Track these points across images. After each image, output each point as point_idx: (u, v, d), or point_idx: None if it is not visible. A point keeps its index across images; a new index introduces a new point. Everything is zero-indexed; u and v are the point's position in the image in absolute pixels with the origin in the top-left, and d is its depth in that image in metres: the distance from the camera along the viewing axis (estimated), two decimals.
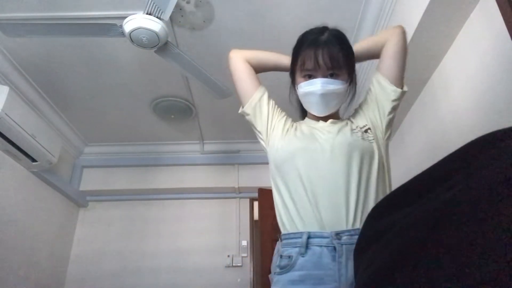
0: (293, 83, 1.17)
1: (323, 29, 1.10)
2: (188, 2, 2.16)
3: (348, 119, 1.18)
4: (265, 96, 1.21)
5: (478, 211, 0.37)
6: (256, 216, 3.85)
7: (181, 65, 2.23)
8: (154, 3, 1.86)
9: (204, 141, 3.80)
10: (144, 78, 2.86)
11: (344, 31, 1.14)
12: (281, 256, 0.98)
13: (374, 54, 1.18)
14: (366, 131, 1.10)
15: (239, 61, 1.23)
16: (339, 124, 1.12)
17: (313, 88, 1.07)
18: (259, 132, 1.19)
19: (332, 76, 1.07)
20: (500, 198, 0.37)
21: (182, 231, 3.70)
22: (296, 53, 1.12)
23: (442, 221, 0.41)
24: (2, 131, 2.48)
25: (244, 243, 3.67)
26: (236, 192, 3.85)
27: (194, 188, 3.78)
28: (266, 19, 2.30)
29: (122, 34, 1.98)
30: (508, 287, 0.33)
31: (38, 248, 3.11)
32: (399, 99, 1.13)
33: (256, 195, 3.65)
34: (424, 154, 2.14)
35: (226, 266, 3.56)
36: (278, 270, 0.98)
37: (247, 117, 1.21)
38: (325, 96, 1.07)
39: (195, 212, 3.81)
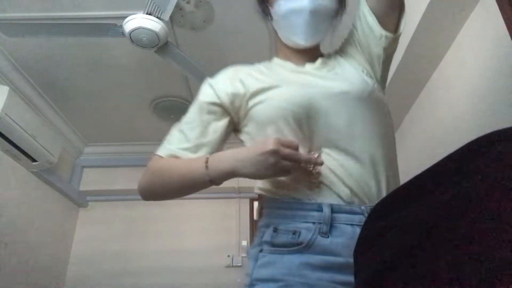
0: (265, 3, 0.90)
1: None
2: (188, 2, 2.16)
3: (339, 55, 0.91)
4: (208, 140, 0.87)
5: (478, 211, 0.38)
6: (256, 216, 3.85)
7: (181, 65, 2.23)
8: (154, 3, 1.86)
9: None
10: (144, 78, 2.86)
11: (343, 31, 0.95)
12: (275, 230, 0.74)
13: None
14: (370, 76, 0.85)
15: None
16: (335, 64, 0.87)
17: (299, 4, 0.80)
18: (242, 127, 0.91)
19: None
20: (500, 198, 0.37)
21: (182, 231, 3.70)
22: None
23: (442, 221, 0.41)
24: (2, 131, 2.48)
25: (244, 243, 3.66)
26: (236, 192, 3.85)
27: None
28: None
29: (122, 34, 1.98)
30: (508, 286, 0.33)
31: (38, 248, 3.11)
32: (394, 45, 0.86)
33: (256, 195, 3.65)
34: (424, 154, 2.14)
35: (226, 266, 3.56)
36: (268, 247, 0.74)
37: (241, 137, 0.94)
38: (315, 15, 0.80)
39: (195, 212, 3.80)
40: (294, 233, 0.71)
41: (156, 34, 1.96)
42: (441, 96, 1.99)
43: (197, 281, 3.48)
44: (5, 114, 2.41)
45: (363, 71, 0.84)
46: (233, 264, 3.56)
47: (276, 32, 0.91)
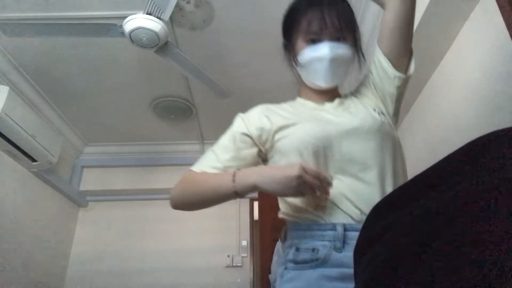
0: (291, 53, 1.01)
1: None
2: (188, 2, 2.16)
3: (354, 96, 1.04)
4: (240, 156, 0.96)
5: (479, 211, 0.37)
6: (256, 216, 3.85)
7: (181, 65, 2.23)
8: (154, 3, 1.86)
9: (204, 141, 3.80)
10: (144, 78, 2.86)
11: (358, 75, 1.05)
12: (297, 249, 0.86)
13: None
14: (382, 113, 0.96)
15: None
16: (350, 103, 0.99)
17: (320, 53, 0.92)
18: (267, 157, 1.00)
19: (339, 40, 0.93)
20: (500, 197, 0.37)
21: (182, 231, 3.70)
22: (293, 17, 0.98)
23: (442, 221, 0.41)
24: (2, 131, 2.48)
25: (244, 243, 3.66)
26: None
27: None
28: (266, 19, 2.29)
29: (122, 34, 1.98)
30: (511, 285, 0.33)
31: (38, 248, 3.11)
32: (406, 84, 0.98)
33: (256, 195, 3.65)
34: (424, 154, 2.14)
35: (226, 266, 3.56)
36: (292, 265, 0.85)
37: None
38: (334, 62, 0.92)
39: (195, 212, 3.79)
40: (313, 250, 0.82)
41: (156, 34, 1.96)
42: (441, 96, 1.98)
43: (197, 281, 3.48)
44: (5, 114, 2.41)
45: (374, 110, 0.96)
46: (233, 264, 3.56)
47: (300, 76, 1.03)
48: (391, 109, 1.00)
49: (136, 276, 3.50)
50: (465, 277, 0.36)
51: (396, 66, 0.95)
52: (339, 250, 0.81)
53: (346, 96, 1.05)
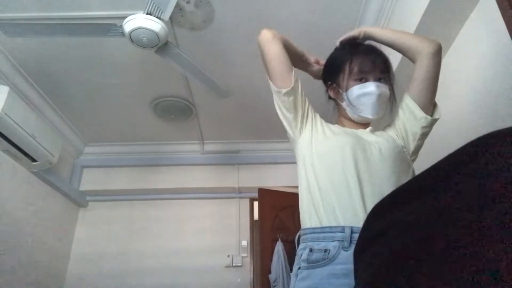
0: (337, 89, 1.18)
1: (357, 41, 1.18)
2: (188, 2, 2.16)
3: (382, 130, 1.21)
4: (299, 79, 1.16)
5: (478, 211, 0.37)
6: (256, 216, 3.85)
7: (181, 65, 2.23)
8: (154, 3, 1.86)
9: (204, 141, 3.80)
10: (144, 78, 2.86)
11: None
12: (310, 250, 0.96)
13: (399, 50, 1.17)
14: (403, 146, 1.14)
15: (278, 43, 1.16)
16: (380, 132, 1.16)
17: (369, 89, 1.09)
18: (293, 117, 1.14)
19: (380, 80, 1.11)
20: (500, 198, 0.37)
21: (182, 231, 3.70)
22: (340, 61, 1.15)
23: (442, 221, 0.41)
24: (2, 131, 2.48)
25: (244, 243, 3.67)
26: (236, 192, 3.85)
27: (194, 188, 3.78)
28: (266, 19, 2.29)
29: (122, 34, 1.98)
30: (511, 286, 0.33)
31: (38, 248, 3.11)
32: (430, 126, 1.13)
33: (256, 195, 3.66)
34: (424, 154, 2.14)
35: (226, 266, 3.56)
36: (305, 264, 0.96)
37: (288, 99, 1.13)
38: (380, 98, 1.09)
39: (195, 212, 3.81)
40: (325, 251, 0.94)
41: (156, 34, 1.96)
42: (441, 96, 1.98)
43: (197, 281, 3.48)
44: (5, 114, 2.41)
45: (398, 140, 1.14)
46: (233, 264, 3.56)
47: (339, 109, 1.21)
48: (412, 146, 1.14)
49: (136, 276, 3.50)
50: (466, 277, 0.36)
51: (423, 110, 1.12)
52: (346, 249, 0.92)
53: (377, 130, 1.22)
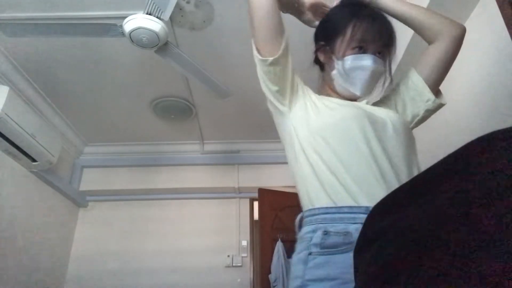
0: (329, 54, 1.02)
1: (364, 3, 1.01)
2: (188, 2, 2.16)
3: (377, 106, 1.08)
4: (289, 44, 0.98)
5: (478, 212, 0.37)
6: (256, 216, 3.85)
7: (181, 65, 2.23)
8: (154, 3, 1.86)
9: (204, 141, 3.80)
10: (144, 78, 2.86)
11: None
12: (325, 233, 0.81)
13: (414, 27, 1.03)
14: None
15: None
16: (379, 106, 1.04)
17: (365, 63, 0.95)
18: (280, 91, 0.98)
19: (379, 54, 0.98)
20: (500, 198, 0.37)
21: (182, 231, 3.70)
22: (340, 21, 0.99)
23: (442, 222, 0.41)
24: (2, 131, 2.48)
25: (244, 243, 3.67)
26: (236, 192, 3.85)
27: (194, 188, 3.78)
28: None
29: (122, 34, 1.98)
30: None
31: (38, 248, 3.11)
32: (434, 111, 1.03)
33: (256, 195, 3.65)
34: (424, 154, 2.14)
35: (226, 266, 3.56)
36: (318, 249, 0.80)
37: (274, 69, 0.96)
38: (373, 75, 0.96)
39: (195, 212, 3.81)
40: (345, 234, 0.79)
41: (156, 34, 1.96)
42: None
43: (197, 281, 3.48)
44: (5, 114, 2.41)
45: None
46: (233, 264, 3.56)
47: (326, 78, 1.06)
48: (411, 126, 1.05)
49: (136, 276, 3.50)
50: (464, 276, 0.36)
51: (432, 91, 1.02)
52: None
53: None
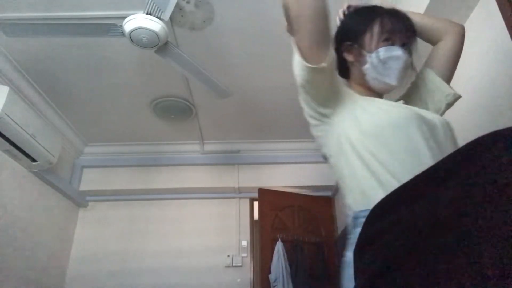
0: (359, 50, 1.02)
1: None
2: (188, 2, 2.16)
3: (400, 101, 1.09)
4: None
5: (477, 212, 0.37)
6: (256, 216, 3.85)
7: (181, 65, 2.23)
8: (154, 3, 1.86)
9: (204, 141, 3.80)
10: (144, 78, 2.86)
11: None
12: None
13: (420, 31, 1.07)
14: None
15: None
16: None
17: (397, 53, 0.97)
18: (326, 98, 0.93)
19: (404, 46, 1.00)
20: (499, 198, 0.37)
21: (182, 231, 3.70)
22: (371, 16, 1.01)
23: (441, 223, 0.41)
24: (2, 131, 2.48)
25: (244, 243, 3.66)
26: (236, 192, 3.85)
27: (194, 188, 3.78)
28: (266, 19, 2.29)
29: (122, 34, 1.98)
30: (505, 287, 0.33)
31: (38, 248, 3.11)
32: (452, 105, 1.07)
33: (256, 195, 3.66)
34: None
35: (226, 266, 3.56)
36: None
37: (321, 76, 0.89)
38: (406, 64, 0.99)
39: (195, 212, 3.81)
40: None
41: (156, 34, 1.96)
42: None
43: (197, 281, 3.48)
44: (5, 114, 2.41)
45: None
46: (233, 264, 3.56)
47: (353, 75, 1.06)
48: None
49: (136, 276, 3.50)
50: (463, 279, 0.36)
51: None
52: None
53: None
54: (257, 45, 2.50)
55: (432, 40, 1.09)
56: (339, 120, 0.93)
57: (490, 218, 0.38)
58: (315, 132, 0.99)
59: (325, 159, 1.03)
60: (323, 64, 0.85)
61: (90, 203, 3.85)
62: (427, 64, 1.10)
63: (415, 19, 1.05)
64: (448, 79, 1.08)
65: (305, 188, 3.83)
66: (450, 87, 1.07)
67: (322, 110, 0.93)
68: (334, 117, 0.93)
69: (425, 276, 0.41)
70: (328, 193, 3.87)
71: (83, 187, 3.73)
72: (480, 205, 0.39)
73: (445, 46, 1.07)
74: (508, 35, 1.19)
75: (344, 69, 1.07)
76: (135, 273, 3.52)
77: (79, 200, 3.72)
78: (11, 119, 2.46)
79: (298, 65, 0.88)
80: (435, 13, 1.69)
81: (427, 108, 1.05)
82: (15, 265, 2.81)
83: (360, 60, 1.02)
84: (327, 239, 3.60)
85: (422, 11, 1.70)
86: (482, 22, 1.62)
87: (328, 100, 0.93)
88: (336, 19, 1.07)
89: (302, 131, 3.64)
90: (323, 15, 0.85)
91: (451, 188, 0.43)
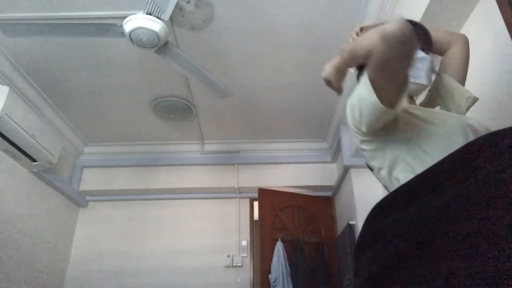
0: None
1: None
2: (188, 2, 2.16)
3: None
4: None
5: (476, 213, 0.37)
6: (256, 216, 3.85)
7: (181, 65, 2.23)
8: (154, 3, 1.86)
9: (204, 141, 3.80)
10: (144, 78, 2.86)
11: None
12: None
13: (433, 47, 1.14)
14: None
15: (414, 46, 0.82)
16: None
17: (422, 54, 1.02)
18: (386, 128, 0.92)
19: (424, 50, 1.05)
20: (498, 198, 0.37)
21: (182, 231, 3.70)
22: None
23: (440, 223, 0.41)
24: (2, 131, 2.48)
25: (244, 243, 3.67)
26: (236, 192, 3.85)
27: (194, 188, 3.78)
28: (266, 19, 2.29)
29: (122, 34, 1.98)
30: (503, 286, 0.33)
31: (38, 248, 3.11)
32: (470, 107, 1.11)
33: (256, 195, 3.66)
34: None
35: (226, 266, 3.56)
36: None
37: (388, 116, 0.88)
38: (431, 63, 1.05)
39: (195, 212, 3.81)
40: None
41: (156, 34, 1.96)
42: None
43: (197, 281, 3.48)
44: (5, 114, 2.41)
45: None
46: (233, 264, 3.56)
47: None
48: None
49: (136, 276, 3.50)
50: (461, 280, 0.36)
51: None
52: None
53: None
54: (257, 45, 2.50)
55: (441, 51, 1.15)
56: (393, 140, 0.91)
57: (489, 218, 0.38)
58: (362, 146, 0.98)
59: (370, 169, 1.03)
60: (397, 110, 0.86)
61: (90, 203, 3.85)
62: (442, 72, 1.15)
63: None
64: (463, 79, 1.14)
65: (305, 188, 3.83)
66: (469, 91, 1.11)
67: (378, 132, 0.92)
68: (389, 135, 0.92)
69: (425, 275, 0.41)
70: (328, 193, 3.87)
71: (83, 187, 3.73)
72: (480, 204, 0.39)
73: (455, 53, 1.13)
74: (508, 35, 1.19)
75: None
76: (135, 273, 3.52)
77: (79, 200, 3.72)
78: (11, 119, 2.46)
79: (370, 102, 0.85)
80: (435, 13, 1.69)
81: (450, 110, 1.09)
82: (15, 265, 2.81)
83: None
84: (327, 239, 3.60)
85: (422, 11, 1.70)
86: (482, 22, 1.62)
87: (386, 126, 0.91)
88: (349, 40, 1.07)
89: (302, 131, 3.64)
90: (408, 66, 0.82)
91: (451, 188, 0.43)
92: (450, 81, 1.12)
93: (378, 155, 0.95)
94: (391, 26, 0.75)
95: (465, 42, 1.16)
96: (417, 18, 1.75)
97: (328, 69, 1.00)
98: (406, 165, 0.85)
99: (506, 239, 0.34)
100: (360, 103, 0.88)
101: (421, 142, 0.87)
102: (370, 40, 0.80)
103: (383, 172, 0.94)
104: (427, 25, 1.16)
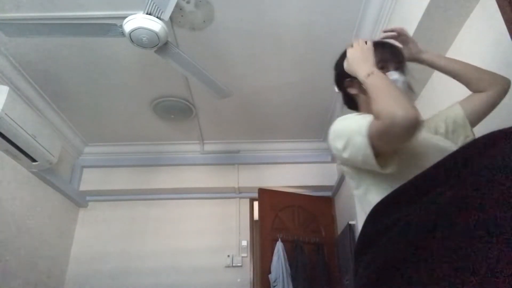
0: (359, 81, 1.03)
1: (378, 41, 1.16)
2: (188, 2, 2.16)
3: None
4: None
5: (475, 214, 0.37)
6: (256, 216, 3.85)
7: (181, 65, 2.23)
8: (154, 3, 1.86)
9: (204, 141, 3.80)
10: (144, 78, 2.86)
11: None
12: None
13: (459, 79, 1.16)
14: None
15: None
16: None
17: (395, 76, 1.04)
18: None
19: (398, 70, 1.07)
20: (498, 198, 0.37)
21: (182, 231, 3.70)
22: (385, 51, 1.10)
23: (440, 222, 0.41)
24: (2, 131, 2.48)
25: (244, 243, 3.67)
26: (236, 192, 3.85)
27: (194, 188, 3.78)
28: (266, 19, 2.29)
29: (122, 34, 1.98)
30: (503, 286, 0.33)
31: (38, 248, 3.11)
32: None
33: (256, 195, 3.66)
34: None
35: (226, 266, 3.56)
36: None
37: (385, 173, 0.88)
38: (405, 85, 1.05)
39: (195, 212, 3.81)
40: None
41: (156, 34, 1.96)
42: (441, 96, 1.98)
43: (197, 281, 3.48)
44: (5, 114, 2.41)
45: None
46: (233, 264, 3.56)
47: (365, 106, 1.08)
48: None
49: (136, 276, 3.50)
50: (463, 277, 0.36)
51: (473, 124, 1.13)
52: None
53: None
54: (257, 45, 2.50)
55: (473, 89, 1.14)
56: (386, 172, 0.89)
57: (489, 217, 0.38)
58: (345, 169, 1.02)
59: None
60: (387, 171, 0.84)
61: (90, 203, 3.85)
62: (462, 103, 1.16)
63: (462, 69, 1.14)
64: (473, 124, 1.12)
65: (305, 188, 3.83)
66: (472, 131, 1.11)
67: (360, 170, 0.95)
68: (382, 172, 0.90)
69: (425, 275, 0.41)
70: (328, 193, 3.87)
71: (83, 187, 3.73)
72: (479, 204, 0.39)
73: (486, 98, 1.11)
74: (508, 35, 1.19)
75: (351, 102, 1.15)
76: (135, 273, 3.52)
77: (79, 200, 3.72)
78: (11, 119, 2.46)
79: (367, 158, 0.84)
80: (435, 13, 1.69)
81: (447, 137, 1.11)
82: (15, 265, 2.81)
83: (363, 90, 1.03)
84: (327, 239, 3.60)
85: (422, 11, 1.70)
86: (482, 22, 1.62)
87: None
88: (344, 64, 1.10)
89: (302, 131, 3.64)
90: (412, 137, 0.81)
91: (451, 188, 0.43)
92: (462, 117, 1.13)
93: (356, 177, 0.98)
94: (402, 113, 0.75)
95: (505, 90, 1.12)
96: (417, 18, 1.75)
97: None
98: (384, 191, 0.75)
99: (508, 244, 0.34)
100: (348, 139, 0.89)
101: (406, 175, 0.83)
102: (381, 102, 0.83)
103: (359, 192, 0.98)
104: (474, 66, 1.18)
